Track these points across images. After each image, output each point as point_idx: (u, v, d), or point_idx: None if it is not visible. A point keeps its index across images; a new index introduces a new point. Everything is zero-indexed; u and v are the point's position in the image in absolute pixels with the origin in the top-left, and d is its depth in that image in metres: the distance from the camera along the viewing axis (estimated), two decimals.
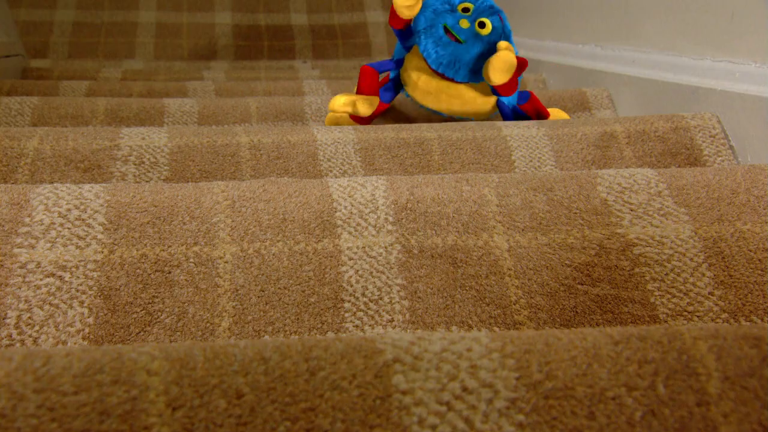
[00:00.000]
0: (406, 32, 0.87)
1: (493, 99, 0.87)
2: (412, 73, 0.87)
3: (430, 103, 0.87)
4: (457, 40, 0.83)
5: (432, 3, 0.84)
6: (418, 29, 0.84)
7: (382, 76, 0.92)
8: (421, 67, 0.86)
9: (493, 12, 0.84)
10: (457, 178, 0.57)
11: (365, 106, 0.86)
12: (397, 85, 0.91)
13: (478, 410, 0.29)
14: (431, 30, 0.83)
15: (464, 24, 0.82)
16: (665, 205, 0.55)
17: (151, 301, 0.47)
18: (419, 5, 0.82)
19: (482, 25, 0.82)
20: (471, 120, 0.88)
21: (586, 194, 0.55)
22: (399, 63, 0.90)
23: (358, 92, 0.88)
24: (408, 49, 0.88)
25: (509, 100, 0.88)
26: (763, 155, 0.71)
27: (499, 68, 0.79)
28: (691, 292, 0.50)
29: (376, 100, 0.87)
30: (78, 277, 0.47)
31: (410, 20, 0.85)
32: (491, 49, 0.83)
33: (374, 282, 0.49)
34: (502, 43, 0.81)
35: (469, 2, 0.84)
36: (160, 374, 0.29)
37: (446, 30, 0.83)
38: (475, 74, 0.84)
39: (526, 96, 0.91)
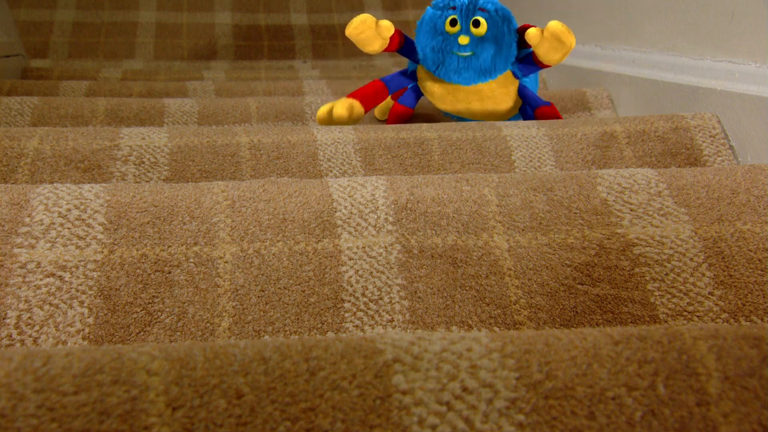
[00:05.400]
0: (404, 51, 0.89)
1: (513, 91, 0.86)
2: (427, 83, 0.88)
3: (449, 104, 0.87)
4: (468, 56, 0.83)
5: (425, 42, 0.85)
6: (428, 68, 0.86)
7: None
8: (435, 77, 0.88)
9: (476, 8, 0.83)
10: (457, 178, 0.57)
11: (342, 108, 0.85)
12: (417, 91, 0.91)
13: (478, 410, 0.29)
14: (443, 66, 0.85)
15: (463, 40, 0.83)
16: (665, 205, 0.55)
17: (151, 301, 0.47)
18: (369, 29, 0.83)
19: (477, 24, 0.82)
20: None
21: (586, 194, 0.55)
22: (413, 75, 0.91)
23: (357, 95, 0.88)
24: (418, 61, 0.89)
25: (531, 85, 0.88)
26: (763, 155, 0.71)
27: (555, 44, 0.81)
28: (691, 292, 0.50)
29: (357, 104, 0.86)
30: (78, 277, 0.47)
31: (400, 44, 0.88)
32: (497, 41, 0.83)
33: (374, 282, 0.49)
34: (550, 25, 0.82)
35: (453, 14, 0.83)
36: (160, 374, 0.29)
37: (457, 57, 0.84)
38: (491, 72, 0.84)
39: (547, 103, 0.91)
